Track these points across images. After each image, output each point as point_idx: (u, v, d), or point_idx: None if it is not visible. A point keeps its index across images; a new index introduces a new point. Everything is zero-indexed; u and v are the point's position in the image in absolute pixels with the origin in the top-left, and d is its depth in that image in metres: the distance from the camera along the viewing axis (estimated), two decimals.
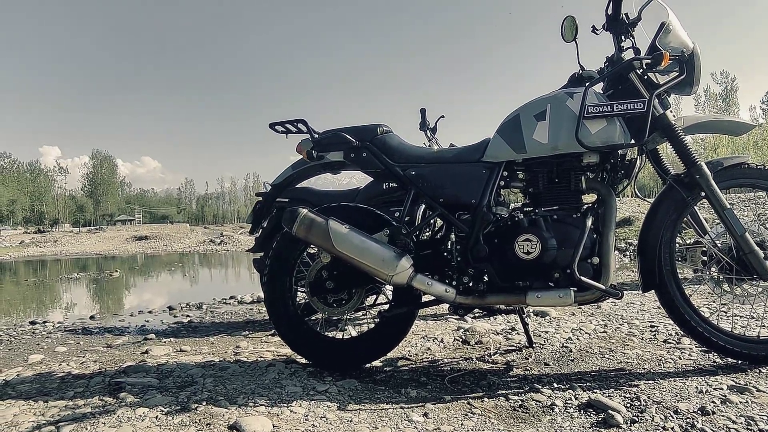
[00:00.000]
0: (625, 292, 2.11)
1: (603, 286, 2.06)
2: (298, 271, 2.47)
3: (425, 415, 1.78)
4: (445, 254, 2.26)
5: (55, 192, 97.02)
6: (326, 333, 2.52)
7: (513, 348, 2.61)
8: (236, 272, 12.51)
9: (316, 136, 2.43)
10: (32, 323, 4.50)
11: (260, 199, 2.51)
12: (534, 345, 2.61)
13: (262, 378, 2.24)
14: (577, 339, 2.71)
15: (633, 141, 2.11)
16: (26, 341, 3.68)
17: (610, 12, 2.23)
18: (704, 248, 2.22)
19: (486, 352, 2.57)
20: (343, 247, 2.21)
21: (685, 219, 2.22)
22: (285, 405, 1.88)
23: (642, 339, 2.64)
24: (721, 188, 2.14)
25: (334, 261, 2.29)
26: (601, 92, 2.22)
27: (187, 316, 4.71)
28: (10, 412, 1.96)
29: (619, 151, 2.20)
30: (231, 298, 5.88)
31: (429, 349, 2.70)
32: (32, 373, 2.54)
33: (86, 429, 1.74)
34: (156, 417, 1.79)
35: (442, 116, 4.16)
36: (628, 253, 8.49)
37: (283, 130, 2.48)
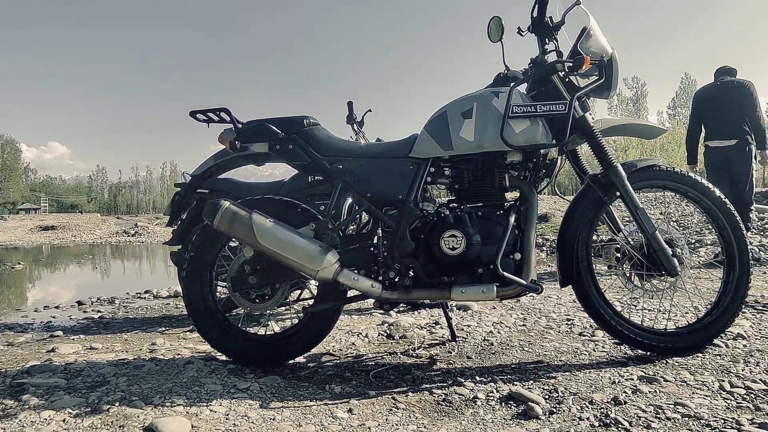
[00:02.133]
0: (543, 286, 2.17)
1: (524, 282, 2.12)
2: (219, 265, 2.39)
3: (350, 411, 1.77)
4: (372, 249, 2.24)
5: None
6: (248, 329, 2.45)
7: (437, 342, 2.64)
8: (151, 265, 12.03)
9: (240, 126, 2.35)
10: None
11: (179, 190, 2.39)
12: (457, 339, 2.65)
13: (179, 376, 2.15)
14: (498, 332, 2.78)
15: (554, 141, 2.17)
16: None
17: (535, 15, 2.28)
18: (618, 245, 2.33)
19: (410, 347, 2.59)
20: (267, 241, 2.15)
21: (601, 217, 2.32)
22: (204, 404, 1.81)
23: (559, 332, 2.74)
24: (634, 189, 2.25)
25: (257, 255, 2.23)
26: (525, 93, 2.28)
27: (98, 311, 4.47)
28: None
29: (541, 151, 2.26)
30: (146, 292, 5.64)
31: (353, 344, 2.69)
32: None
33: None
34: (64, 420, 1.68)
35: (369, 110, 4.15)
36: (544, 248, 8.83)
37: (205, 118, 2.37)
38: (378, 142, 2.41)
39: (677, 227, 2.50)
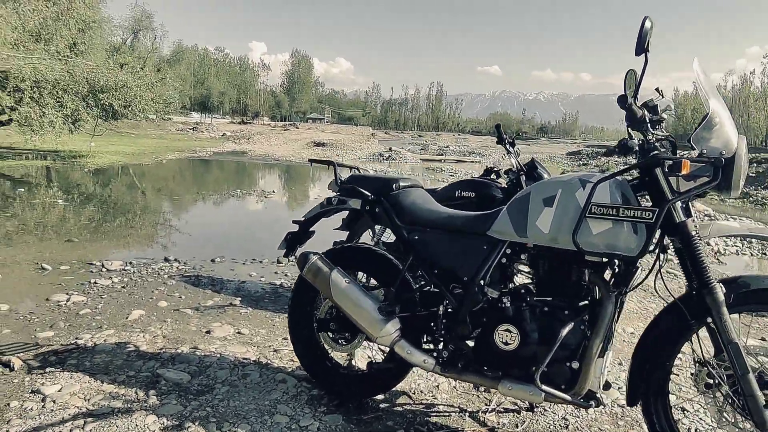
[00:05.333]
0: None
1: (568, 396, 2.01)
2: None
3: None
4: (432, 324, 2.31)
5: (258, 86, 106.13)
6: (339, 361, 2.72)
7: (514, 408, 2.62)
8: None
9: (340, 181, 2.55)
10: (166, 260, 5.31)
11: (293, 230, 2.71)
12: (535, 410, 2.59)
13: (266, 396, 2.56)
14: (579, 415, 2.63)
15: (637, 254, 1.92)
16: (146, 285, 4.42)
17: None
18: (711, 371, 2.01)
19: (486, 406, 2.63)
20: (339, 300, 2.37)
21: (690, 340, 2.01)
22: None
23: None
24: (734, 312, 1.90)
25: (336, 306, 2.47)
26: (625, 181, 2.02)
27: (286, 274, 5.13)
28: (73, 390, 2.51)
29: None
30: None
31: (437, 387, 2.81)
32: (114, 342, 3.14)
33: (105, 428, 2.21)
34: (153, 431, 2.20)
35: (519, 132, 3.93)
36: None
37: (318, 165, 2.66)
38: (461, 213, 2.37)
39: None
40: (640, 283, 2.14)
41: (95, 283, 4.36)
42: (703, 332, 2.01)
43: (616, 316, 2.09)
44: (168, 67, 58.05)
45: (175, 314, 3.75)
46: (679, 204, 1.93)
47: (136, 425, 2.24)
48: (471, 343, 2.26)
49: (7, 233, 6.24)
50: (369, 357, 2.58)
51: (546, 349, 2.04)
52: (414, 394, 2.73)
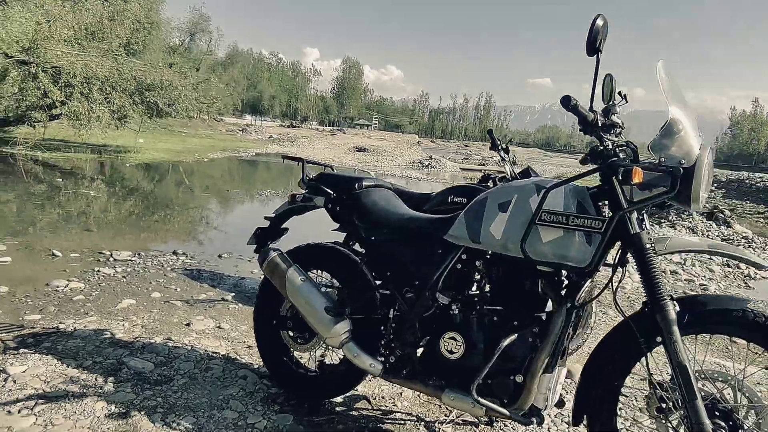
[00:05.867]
0: None
1: (505, 410, 1.91)
2: None
3: None
4: (382, 329, 2.24)
5: (308, 91, 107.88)
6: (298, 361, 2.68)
7: (473, 422, 2.52)
8: None
9: (308, 178, 2.52)
10: (174, 253, 5.40)
11: (261, 227, 2.70)
12: (494, 425, 2.49)
13: (222, 390, 2.55)
14: (549, 428, 2.51)
15: (585, 266, 1.82)
16: (146, 276, 4.50)
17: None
18: (662, 395, 1.88)
19: (444, 416, 2.54)
20: (293, 297, 2.35)
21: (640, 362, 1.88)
22: None
23: None
24: (687, 333, 1.78)
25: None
26: (589, 187, 1.91)
27: None
28: (37, 372, 2.55)
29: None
30: None
31: (401, 394, 2.73)
32: (93, 328, 3.19)
33: (53, 410, 2.23)
34: (98, 417, 2.21)
35: (510, 140, 3.82)
36: None
37: (290, 161, 2.65)
38: (421, 215, 2.30)
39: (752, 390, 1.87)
40: (595, 297, 2.04)
41: (98, 271, 4.46)
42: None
43: (571, 330, 1.99)
44: (222, 70, 59.87)
45: (163, 306, 3.79)
46: (635, 215, 1.82)
47: (84, 410, 2.26)
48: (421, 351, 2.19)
49: (32, 220, 6.48)
50: (320, 358, 2.52)
51: (486, 360, 1.95)
52: (375, 399, 2.67)
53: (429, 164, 27.09)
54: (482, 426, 2.49)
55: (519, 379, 1.95)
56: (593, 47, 1.73)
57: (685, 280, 6.26)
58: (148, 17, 25.06)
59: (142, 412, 2.28)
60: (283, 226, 2.73)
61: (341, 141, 42.21)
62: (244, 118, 70.83)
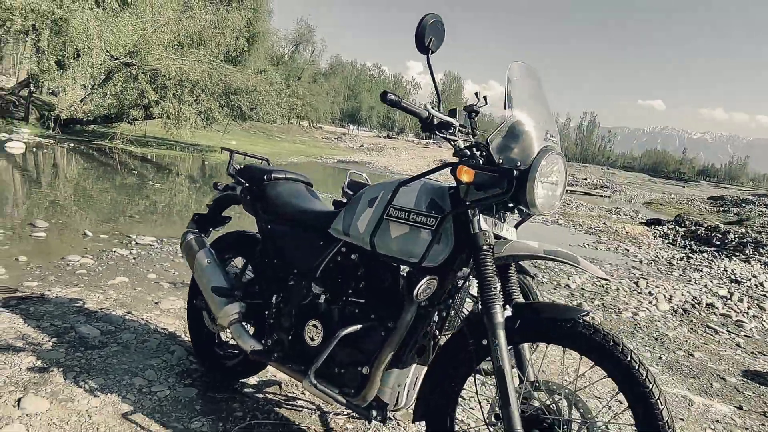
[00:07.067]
0: None
1: (342, 399, 1.97)
2: None
3: None
4: (266, 312, 2.35)
5: None
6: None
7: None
8: None
9: (234, 169, 2.68)
10: None
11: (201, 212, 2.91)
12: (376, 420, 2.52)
13: (145, 361, 2.77)
14: None
15: (413, 261, 1.85)
16: (154, 259, 4.87)
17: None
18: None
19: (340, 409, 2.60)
20: (198, 278, 2.53)
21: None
22: (98, 394, 2.38)
23: None
24: (521, 341, 1.76)
25: None
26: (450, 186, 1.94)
27: None
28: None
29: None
30: None
31: None
32: (71, 297, 3.53)
33: None
34: (19, 368, 2.49)
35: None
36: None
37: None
38: (316, 210, 2.38)
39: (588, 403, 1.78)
40: (444, 295, 2.03)
41: (114, 251, 4.88)
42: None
43: (436, 329, 2.00)
44: (323, 79, 62.09)
45: (151, 285, 4.10)
46: (478, 215, 1.81)
47: (12, 361, 2.55)
48: None
49: (89, 205, 7.13)
50: (225, 338, 2.67)
51: (345, 350, 2.02)
52: (288, 386, 2.77)
53: None
54: (374, 422, 2.52)
55: (365, 371, 1.99)
56: (422, 45, 1.76)
57: (721, 314, 5.82)
58: (249, 29, 26.51)
59: (60, 369, 2.54)
60: (225, 214, 2.91)
61: (431, 153, 42.41)
62: (343, 127, 72.83)
